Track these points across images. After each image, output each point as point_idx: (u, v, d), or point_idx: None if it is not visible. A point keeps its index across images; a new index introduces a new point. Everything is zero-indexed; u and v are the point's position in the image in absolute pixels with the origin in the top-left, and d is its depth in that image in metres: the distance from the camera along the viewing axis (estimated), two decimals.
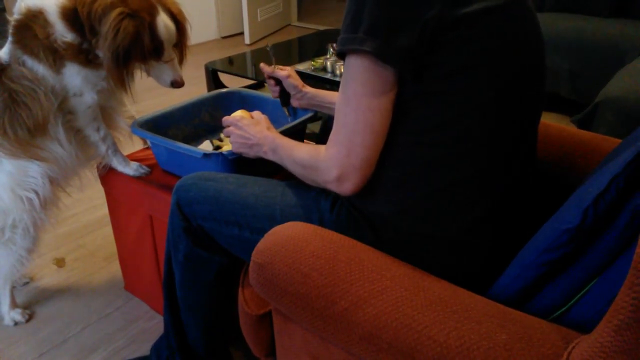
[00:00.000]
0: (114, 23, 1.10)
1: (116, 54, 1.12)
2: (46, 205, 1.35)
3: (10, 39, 1.20)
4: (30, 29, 1.16)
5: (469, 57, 0.78)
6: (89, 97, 1.26)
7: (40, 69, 1.19)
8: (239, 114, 1.22)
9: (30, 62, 1.18)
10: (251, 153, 1.10)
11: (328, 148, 0.85)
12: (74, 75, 1.21)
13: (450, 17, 0.75)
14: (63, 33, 1.16)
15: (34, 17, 1.16)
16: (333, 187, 0.87)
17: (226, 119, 1.16)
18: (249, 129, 1.09)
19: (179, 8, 1.26)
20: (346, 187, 0.85)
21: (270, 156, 1.05)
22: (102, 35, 1.12)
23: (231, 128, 1.13)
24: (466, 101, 0.80)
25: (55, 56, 1.18)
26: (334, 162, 0.84)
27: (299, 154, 0.95)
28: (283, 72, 1.32)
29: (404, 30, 0.76)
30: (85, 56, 1.19)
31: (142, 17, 1.14)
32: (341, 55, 0.83)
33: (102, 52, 1.15)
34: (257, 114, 1.17)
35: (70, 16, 1.15)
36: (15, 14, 1.20)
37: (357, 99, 0.80)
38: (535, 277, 0.73)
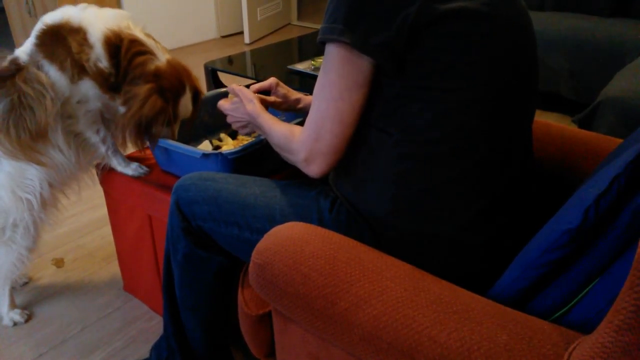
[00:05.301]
0: (143, 96, 1.16)
1: (139, 123, 1.17)
2: (45, 206, 1.35)
3: (33, 40, 1.20)
4: (64, 40, 1.17)
5: (454, 54, 0.79)
6: (93, 105, 1.27)
7: (57, 76, 1.19)
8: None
9: (48, 66, 1.18)
10: (251, 130, 1.15)
11: (302, 132, 0.91)
12: (88, 89, 1.23)
13: (430, 13, 0.76)
14: (100, 58, 1.18)
15: (72, 31, 1.17)
16: (301, 167, 0.93)
17: (220, 107, 1.19)
18: (236, 113, 1.13)
19: (200, 86, 1.33)
20: (313, 169, 0.90)
21: (259, 132, 1.10)
22: (130, 99, 1.18)
23: (228, 118, 1.17)
24: (457, 98, 0.80)
25: (80, 70, 1.19)
26: (303, 145, 0.90)
27: (275, 136, 1.00)
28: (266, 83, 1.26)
29: (383, 24, 0.78)
30: (109, 85, 1.21)
31: (168, 98, 1.20)
32: (322, 44, 0.85)
33: (125, 113, 1.20)
34: (238, 91, 1.16)
35: (112, 50, 1.18)
36: (47, 19, 1.20)
37: (331, 87, 0.84)
38: (536, 277, 0.72)
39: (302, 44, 2.85)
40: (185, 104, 1.26)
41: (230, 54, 2.65)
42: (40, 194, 1.31)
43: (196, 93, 1.31)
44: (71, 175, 1.37)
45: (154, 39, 1.25)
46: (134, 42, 1.18)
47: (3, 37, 4.24)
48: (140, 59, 1.18)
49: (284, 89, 1.25)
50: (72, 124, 1.28)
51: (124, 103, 1.19)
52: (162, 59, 1.21)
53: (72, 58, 1.17)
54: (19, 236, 1.35)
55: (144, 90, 1.16)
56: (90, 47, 1.17)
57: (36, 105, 1.18)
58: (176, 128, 1.29)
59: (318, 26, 4.83)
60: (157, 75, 1.18)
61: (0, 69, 1.20)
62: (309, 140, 0.89)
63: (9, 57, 1.22)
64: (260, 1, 4.53)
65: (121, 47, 1.17)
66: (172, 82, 1.21)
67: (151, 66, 1.18)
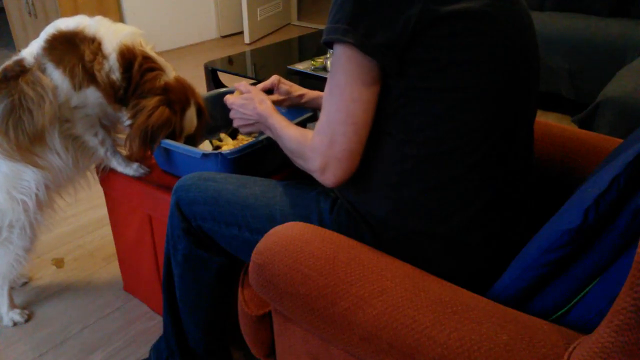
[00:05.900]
0: (152, 106, 1.19)
1: (145, 132, 1.19)
2: (41, 207, 1.35)
3: (42, 44, 1.20)
4: (77, 47, 1.19)
5: (455, 53, 0.79)
6: (91, 110, 1.27)
7: (61, 80, 1.19)
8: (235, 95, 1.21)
9: (52, 70, 1.19)
10: (255, 129, 1.11)
11: (313, 136, 0.87)
12: (92, 97, 1.24)
13: (432, 14, 0.76)
14: (113, 70, 1.20)
15: (86, 40, 1.19)
16: (316, 176, 0.88)
17: (227, 100, 1.16)
18: (245, 110, 1.09)
19: (203, 103, 1.36)
20: (328, 178, 0.86)
21: (269, 133, 1.06)
22: (138, 111, 1.20)
23: (232, 113, 1.14)
24: (457, 97, 0.80)
25: (89, 78, 1.20)
26: (317, 151, 0.85)
27: (287, 140, 0.96)
28: (268, 83, 1.26)
29: (385, 25, 0.78)
30: (117, 97, 1.23)
31: (175, 110, 1.24)
32: (327, 44, 0.84)
33: (131, 124, 1.22)
34: (250, 89, 1.15)
35: (126, 64, 1.20)
36: (60, 25, 1.20)
37: (340, 89, 0.82)
38: (536, 277, 0.72)
39: (302, 44, 2.85)
40: (191, 118, 1.30)
41: (230, 54, 2.65)
42: (36, 196, 1.31)
43: (200, 109, 1.34)
44: (68, 179, 1.38)
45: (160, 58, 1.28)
46: (147, 58, 1.23)
47: (3, 37, 4.24)
48: (151, 74, 1.22)
49: (286, 85, 1.26)
50: (69, 128, 1.28)
51: (132, 116, 1.22)
52: (171, 75, 1.26)
53: (83, 65, 1.19)
54: (15, 237, 1.35)
55: (153, 102, 1.20)
56: (105, 57, 1.19)
57: (35, 107, 1.18)
58: (181, 142, 1.30)
59: (318, 26, 4.85)
60: (165, 89, 1.22)
61: (4, 68, 1.20)
62: (322, 146, 0.84)
63: (14, 58, 1.22)
64: (260, 1, 4.53)
65: (134, 63, 1.20)
66: (179, 96, 1.25)
67: (160, 81, 1.22)
